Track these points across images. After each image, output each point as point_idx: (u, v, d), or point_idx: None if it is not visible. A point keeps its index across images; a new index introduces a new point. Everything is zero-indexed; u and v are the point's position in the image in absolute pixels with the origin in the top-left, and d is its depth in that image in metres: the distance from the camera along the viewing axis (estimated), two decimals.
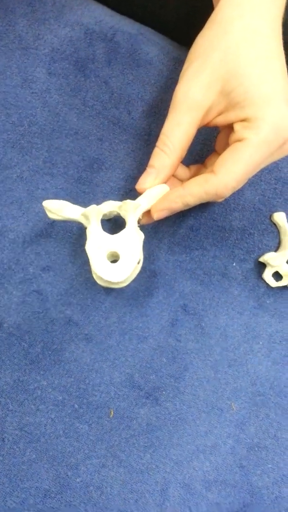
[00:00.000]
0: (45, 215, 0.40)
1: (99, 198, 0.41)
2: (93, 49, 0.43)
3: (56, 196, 0.41)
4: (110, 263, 0.35)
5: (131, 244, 0.35)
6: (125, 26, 0.44)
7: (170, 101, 0.34)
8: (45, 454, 0.38)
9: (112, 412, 0.39)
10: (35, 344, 0.39)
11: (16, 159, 0.41)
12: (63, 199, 0.39)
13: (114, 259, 0.36)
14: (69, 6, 0.43)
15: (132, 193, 0.42)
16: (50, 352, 0.39)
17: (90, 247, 0.35)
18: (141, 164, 0.42)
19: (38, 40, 0.42)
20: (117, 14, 0.45)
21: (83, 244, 0.40)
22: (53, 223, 0.41)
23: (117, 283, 0.35)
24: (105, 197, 0.41)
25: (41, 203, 0.41)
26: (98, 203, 0.36)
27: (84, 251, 0.40)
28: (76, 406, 0.39)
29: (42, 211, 0.40)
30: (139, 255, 0.35)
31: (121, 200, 0.39)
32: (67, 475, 0.38)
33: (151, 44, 0.44)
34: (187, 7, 0.48)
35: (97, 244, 0.35)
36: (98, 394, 0.39)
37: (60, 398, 0.39)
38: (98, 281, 0.36)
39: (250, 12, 0.33)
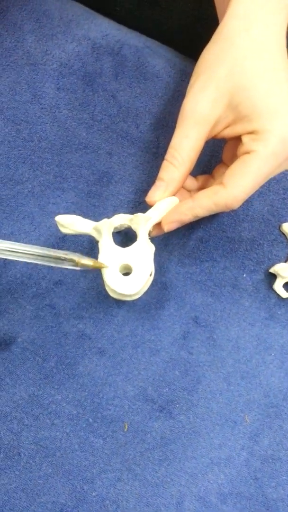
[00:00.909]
0: (57, 229, 0.42)
1: (109, 212, 0.44)
2: (101, 63, 0.45)
3: (67, 210, 0.43)
4: (123, 276, 0.37)
5: (143, 257, 0.37)
6: (131, 39, 0.46)
7: (178, 113, 0.36)
8: (61, 469, 0.40)
9: (126, 426, 0.41)
10: (49, 358, 0.41)
11: (27, 175, 0.43)
12: (74, 213, 0.41)
13: (127, 271, 0.38)
14: (76, 21, 0.46)
15: (141, 206, 0.44)
16: (64, 367, 0.41)
17: (103, 261, 0.37)
18: (149, 177, 0.44)
19: (46, 55, 0.45)
20: (124, 27, 0.47)
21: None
22: (64, 237, 0.43)
23: (130, 295, 0.37)
24: (115, 210, 0.44)
25: (52, 217, 0.43)
26: (108, 217, 0.38)
27: None
28: (90, 420, 0.41)
29: (54, 225, 0.43)
30: (151, 267, 0.38)
31: (131, 213, 0.42)
32: (83, 489, 0.40)
33: (158, 57, 0.46)
34: (191, 16, 0.51)
35: (110, 257, 0.37)
36: (112, 408, 0.41)
37: (75, 412, 0.41)
38: (111, 294, 0.38)
39: (256, 23, 0.34)
